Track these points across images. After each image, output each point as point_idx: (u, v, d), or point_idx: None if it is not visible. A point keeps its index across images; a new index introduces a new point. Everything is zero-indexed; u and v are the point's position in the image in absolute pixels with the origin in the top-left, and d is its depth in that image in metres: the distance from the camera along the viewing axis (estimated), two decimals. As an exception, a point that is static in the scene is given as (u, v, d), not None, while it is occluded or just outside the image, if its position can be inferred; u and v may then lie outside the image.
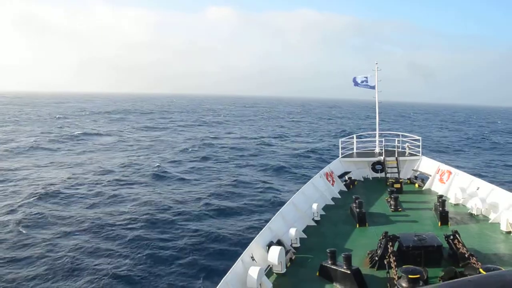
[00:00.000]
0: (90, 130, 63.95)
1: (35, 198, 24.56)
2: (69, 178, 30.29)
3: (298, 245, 11.16)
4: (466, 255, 9.11)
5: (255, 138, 59.11)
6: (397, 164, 18.75)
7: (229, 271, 8.51)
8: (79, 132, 59.44)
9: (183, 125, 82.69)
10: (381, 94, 20.80)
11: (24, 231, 19.42)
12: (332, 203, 15.50)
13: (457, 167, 18.85)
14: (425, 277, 8.15)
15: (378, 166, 19.39)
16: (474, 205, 13.50)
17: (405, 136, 20.61)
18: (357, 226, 12.68)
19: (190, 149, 46.84)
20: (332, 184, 17.01)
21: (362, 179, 19.43)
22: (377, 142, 21.04)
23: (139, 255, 17.40)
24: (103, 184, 29.03)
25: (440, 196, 13.73)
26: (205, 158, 41.21)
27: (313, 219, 13.28)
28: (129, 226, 21.75)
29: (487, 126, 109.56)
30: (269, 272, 9.46)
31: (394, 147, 20.25)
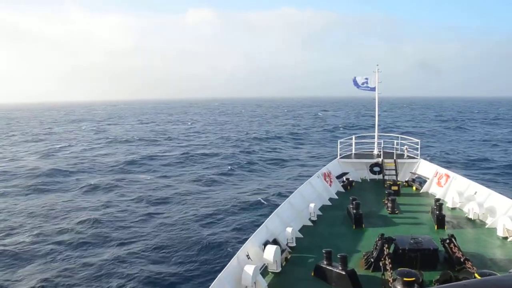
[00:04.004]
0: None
1: None
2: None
3: (294, 244, 11.14)
4: (462, 260, 9.10)
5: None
6: (395, 166, 18.74)
7: (224, 269, 8.49)
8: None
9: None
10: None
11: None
12: (329, 203, 15.48)
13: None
14: (420, 280, 8.14)
15: (376, 168, 19.36)
16: (471, 209, 13.48)
17: (404, 139, 20.59)
18: (354, 227, 12.66)
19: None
20: (330, 185, 17.00)
21: (360, 180, 19.42)
22: (375, 143, 21.02)
23: (133, 253, 17.38)
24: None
25: (437, 200, 13.71)
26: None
27: (309, 219, 13.27)
28: (125, 225, 21.76)
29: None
30: (264, 270, 9.45)
31: (393, 149, 20.24)
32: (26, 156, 46.29)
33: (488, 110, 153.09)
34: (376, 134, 21.05)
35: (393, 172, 18.56)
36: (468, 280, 1.73)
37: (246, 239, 10.37)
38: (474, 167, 35.60)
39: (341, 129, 75.20)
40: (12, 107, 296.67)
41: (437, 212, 12.63)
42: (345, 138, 21.59)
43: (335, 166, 19.08)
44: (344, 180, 18.44)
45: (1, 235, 19.49)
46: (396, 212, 14.12)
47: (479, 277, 8.10)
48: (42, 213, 22.92)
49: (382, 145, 20.52)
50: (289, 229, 11.19)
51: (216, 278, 8.05)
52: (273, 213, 12.02)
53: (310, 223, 13.06)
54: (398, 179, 18.22)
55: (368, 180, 19.52)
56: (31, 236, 19.06)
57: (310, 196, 14.75)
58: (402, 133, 23.72)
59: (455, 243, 9.69)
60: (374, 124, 21.26)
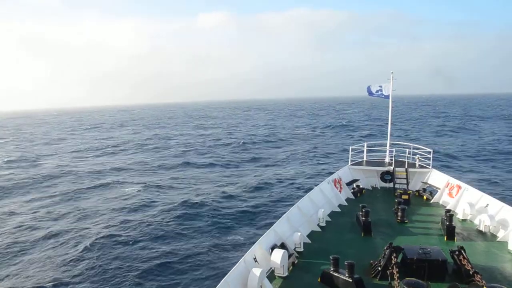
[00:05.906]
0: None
1: None
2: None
3: (302, 249, 11.16)
4: (471, 272, 9.01)
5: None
6: (407, 175, 18.59)
7: (230, 271, 8.56)
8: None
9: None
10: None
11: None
12: (339, 210, 15.45)
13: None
14: None
15: (387, 176, 19.25)
16: (482, 222, 13.30)
17: (416, 148, 20.43)
18: (362, 235, 12.62)
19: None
20: (340, 191, 16.95)
21: (370, 188, 19.32)
22: (387, 151, 20.88)
23: (140, 253, 17.57)
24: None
25: (448, 210, 13.57)
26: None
27: (318, 224, 13.27)
28: (130, 225, 22.00)
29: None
30: (270, 274, 9.49)
31: (405, 158, 20.09)
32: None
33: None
34: (388, 142, 20.92)
35: (404, 181, 18.43)
36: None
37: (253, 242, 10.42)
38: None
39: (347, 129, 73.89)
40: (24, 114, 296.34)
41: (447, 223, 12.50)
42: (357, 145, 21.52)
43: (345, 173, 19.02)
44: (354, 187, 18.38)
45: None
46: (406, 221, 14.02)
47: None
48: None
49: (394, 154, 20.38)
50: (297, 234, 11.22)
51: (223, 280, 8.12)
52: (281, 217, 12.06)
53: (318, 229, 13.06)
54: (409, 188, 18.07)
55: (379, 188, 19.41)
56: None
57: (319, 202, 14.74)
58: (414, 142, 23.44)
59: (465, 255, 9.59)
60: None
